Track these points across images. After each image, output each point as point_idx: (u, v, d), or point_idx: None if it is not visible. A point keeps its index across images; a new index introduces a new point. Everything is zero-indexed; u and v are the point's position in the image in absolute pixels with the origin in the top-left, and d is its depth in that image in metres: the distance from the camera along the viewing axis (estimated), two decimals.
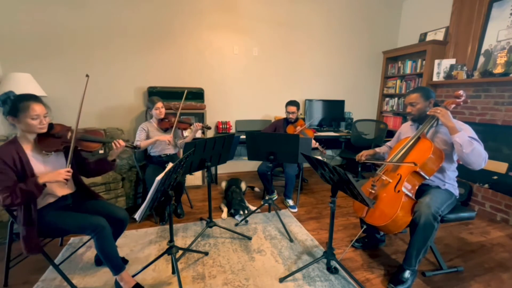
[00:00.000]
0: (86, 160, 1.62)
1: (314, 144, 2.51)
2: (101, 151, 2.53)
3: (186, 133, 2.75)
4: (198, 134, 2.51)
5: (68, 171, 1.32)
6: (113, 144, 1.55)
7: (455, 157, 1.63)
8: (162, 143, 2.42)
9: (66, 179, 1.30)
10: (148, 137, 2.39)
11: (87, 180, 1.71)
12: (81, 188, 1.62)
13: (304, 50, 3.72)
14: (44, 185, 1.28)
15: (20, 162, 1.29)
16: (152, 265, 1.70)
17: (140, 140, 2.29)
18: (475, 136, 1.51)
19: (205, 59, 3.35)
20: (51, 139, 1.40)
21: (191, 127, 2.42)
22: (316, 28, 3.71)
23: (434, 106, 1.71)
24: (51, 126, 1.41)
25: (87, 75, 1.52)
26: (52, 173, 1.30)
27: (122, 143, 1.57)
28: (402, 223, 1.52)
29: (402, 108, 3.81)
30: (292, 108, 2.80)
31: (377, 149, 2.02)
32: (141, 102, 3.21)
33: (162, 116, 2.41)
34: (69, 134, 1.45)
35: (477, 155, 1.44)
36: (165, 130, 2.44)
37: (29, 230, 1.32)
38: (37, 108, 1.31)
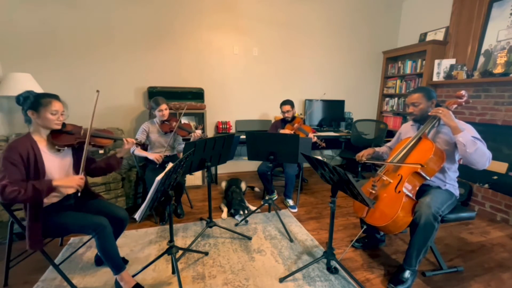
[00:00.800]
0: (93, 159, 1.66)
1: (314, 138, 2.52)
2: (101, 151, 2.54)
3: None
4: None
5: (81, 178, 1.36)
6: (124, 140, 1.66)
7: (456, 157, 1.63)
8: (161, 146, 2.43)
9: (80, 186, 1.35)
10: (148, 139, 2.41)
11: (87, 180, 1.72)
12: (84, 188, 1.63)
13: (304, 50, 3.72)
14: (55, 188, 1.31)
15: (34, 156, 1.33)
16: (152, 265, 1.70)
17: (138, 144, 2.30)
18: (478, 136, 1.51)
19: (205, 59, 3.35)
20: (65, 135, 1.47)
21: (190, 135, 2.41)
22: (316, 28, 3.71)
23: (436, 107, 1.71)
24: (63, 124, 1.49)
25: (97, 91, 1.55)
26: (67, 179, 1.35)
27: (132, 140, 1.69)
28: (402, 224, 1.52)
29: (402, 108, 3.81)
30: (287, 107, 2.82)
31: (377, 149, 2.02)
32: (141, 102, 3.21)
33: (165, 118, 2.41)
34: (83, 131, 1.54)
35: (480, 154, 1.43)
36: (165, 133, 2.44)
37: (34, 226, 1.34)
38: (57, 105, 1.39)
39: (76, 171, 1.58)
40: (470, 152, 1.42)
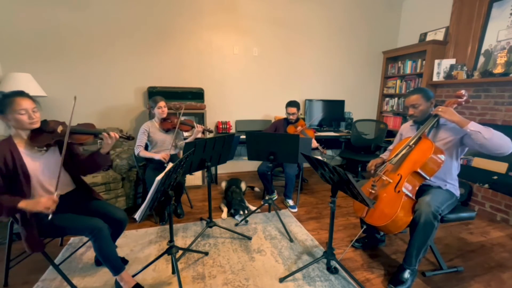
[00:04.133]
0: (79, 157, 1.55)
1: (315, 144, 2.51)
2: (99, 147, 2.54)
3: (186, 134, 2.75)
4: (199, 135, 2.51)
5: (53, 200, 1.22)
6: (104, 134, 1.45)
7: (460, 155, 1.63)
8: (163, 144, 2.43)
9: (49, 209, 1.20)
10: (149, 138, 2.40)
11: (87, 181, 1.71)
12: (81, 186, 1.61)
13: (304, 50, 3.72)
14: (19, 210, 1.21)
15: (12, 160, 1.27)
16: (152, 265, 1.70)
17: (141, 145, 2.33)
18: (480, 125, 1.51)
19: (205, 59, 3.35)
20: (43, 134, 1.37)
21: (193, 129, 2.42)
22: (316, 28, 3.71)
23: (435, 106, 1.71)
24: (45, 122, 1.39)
25: (75, 97, 1.39)
26: (35, 201, 1.22)
27: (116, 135, 1.48)
28: (402, 224, 1.52)
29: (402, 108, 3.81)
30: (293, 109, 2.80)
31: (384, 157, 1.97)
32: (141, 102, 3.21)
33: (165, 116, 2.41)
34: (60, 128, 1.42)
35: (500, 137, 1.38)
36: (167, 131, 2.44)
37: (28, 230, 1.32)
38: (23, 103, 1.28)
39: (69, 169, 1.52)
40: (489, 137, 1.36)
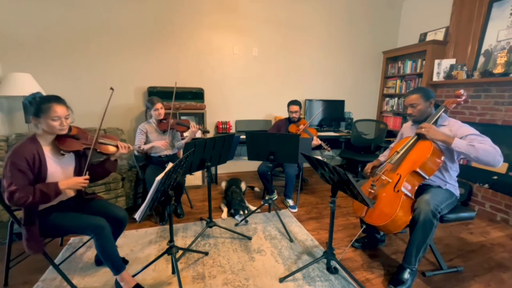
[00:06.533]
0: (93, 164, 1.62)
1: (318, 142, 2.51)
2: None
3: (185, 134, 2.75)
4: (198, 134, 2.50)
5: (86, 179, 1.38)
6: (118, 144, 1.59)
7: (456, 157, 1.63)
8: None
9: (84, 187, 1.38)
10: (147, 138, 2.38)
11: None
12: (80, 192, 1.63)
13: (304, 50, 3.72)
14: (62, 191, 1.31)
15: (39, 162, 1.32)
16: (152, 265, 1.70)
17: (139, 144, 2.30)
18: (476, 132, 1.50)
19: (205, 59, 3.35)
20: (70, 140, 1.44)
21: (189, 130, 2.41)
22: (316, 28, 3.71)
23: (435, 106, 1.71)
24: (69, 128, 1.44)
25: (111, 88, 1.58)
26: (71, 180, 1.36)
27: (128, 146, 1.64)
28: (401, 223, 1.52)
29: (402, 108, 3.81)
30: (295, 108, 2.81)
31: (381, 158, 1.98)
32: (141, 102, 3.21)
33: (162, 117, 2.39)
34: (89, 136, 1.51)
35: (486, 154, 1.39)
36: (164, 132, 2.43)
37: (30, 229, 1.33)
38: (58, 109, 1.33)
39: (80, 175, 1.56)
40: (476, 155, 1.40)
